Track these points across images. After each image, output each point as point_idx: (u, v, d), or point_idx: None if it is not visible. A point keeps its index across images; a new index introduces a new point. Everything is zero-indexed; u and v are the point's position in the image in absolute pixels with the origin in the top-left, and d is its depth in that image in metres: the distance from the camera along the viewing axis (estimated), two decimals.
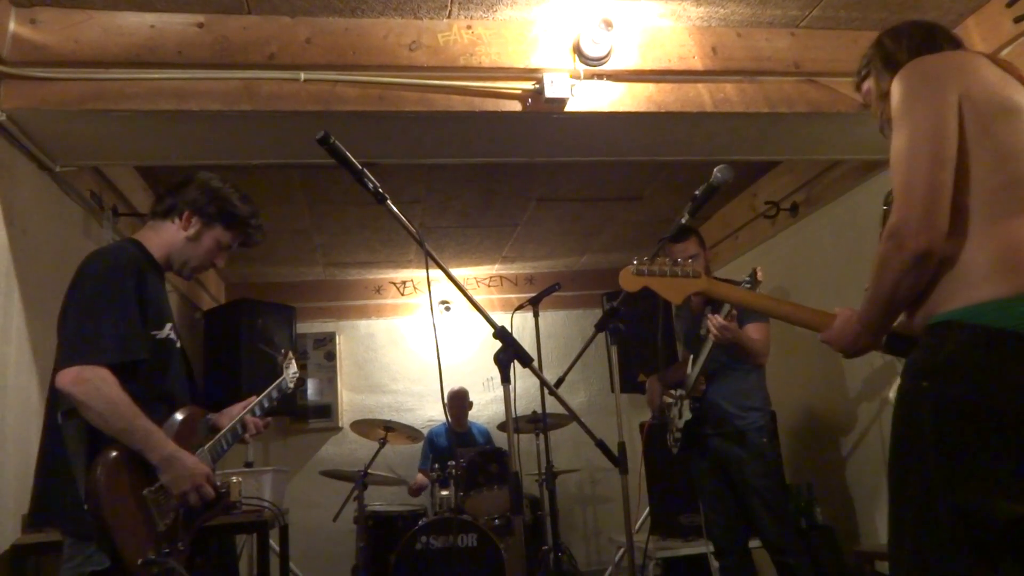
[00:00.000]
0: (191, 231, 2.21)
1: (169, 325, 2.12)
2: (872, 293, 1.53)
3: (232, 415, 2.33)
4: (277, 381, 2.57)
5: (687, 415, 3.39)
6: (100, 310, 1.95)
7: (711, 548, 4.37)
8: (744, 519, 3.38)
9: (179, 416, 2.07)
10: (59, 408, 1.92)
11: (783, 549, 3.21)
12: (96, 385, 1.86)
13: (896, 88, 1.57)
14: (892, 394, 3.05)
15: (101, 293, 1.97)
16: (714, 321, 3.14)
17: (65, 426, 1.90)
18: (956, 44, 1.72)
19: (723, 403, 3.35)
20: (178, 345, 2.18)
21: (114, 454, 1.87)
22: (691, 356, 3.43)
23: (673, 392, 3.51)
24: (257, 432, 2.37)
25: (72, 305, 1.98)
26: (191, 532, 2.05)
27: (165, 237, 2.20)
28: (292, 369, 2.68)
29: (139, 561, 1.84)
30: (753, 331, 3.31)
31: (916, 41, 1.71)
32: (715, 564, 4.78)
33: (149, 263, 2.13)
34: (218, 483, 2.09)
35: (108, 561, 1.84)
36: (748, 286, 2.86)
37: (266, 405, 2.42)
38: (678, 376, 3.56)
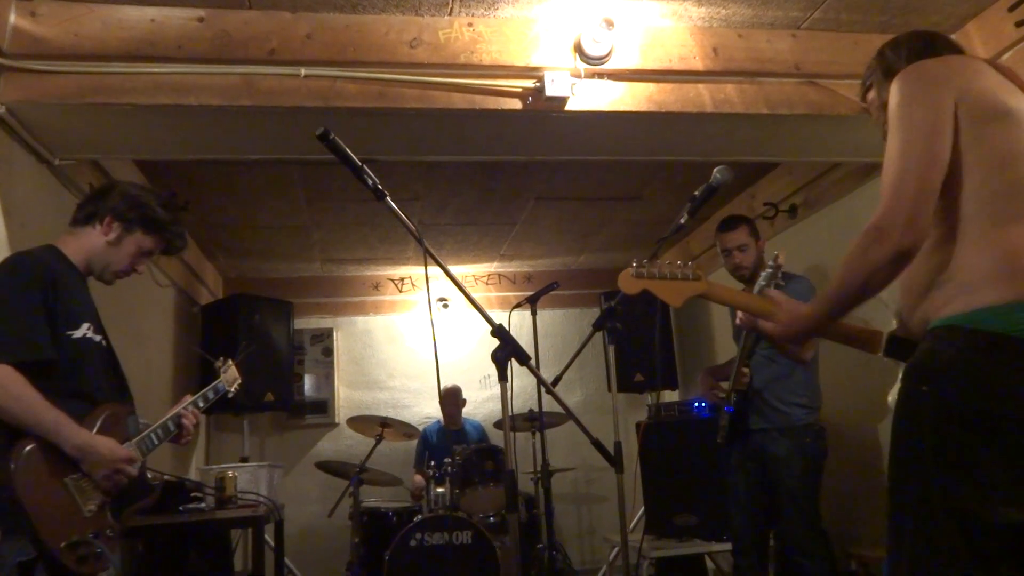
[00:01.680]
0: (111, 236, 2.28)
1: (87, 325, 2.17)
2: (837, 286, 1.54)
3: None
4: (214, 383, 2.67)
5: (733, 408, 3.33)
6: (4, 311, 2.01)
7: (707, 548, 4.40)
8: (771, 518, 3.33)
9: (101, 411, 2.12)
10: None
11: (805, 551, 3.16)
12: (2, 383, 1.92)
13: (893, 90, 1.58)
14: (891, 397, 3.06)
15: (6, 295, 2.03)
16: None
17: None
18: (957, 52, 1.74)
19: (766, 397, 3.29)
20: (101, 343, 2.24)
21: (30, 446, 1.93)
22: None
23: (723, 385, 3.48)
24: (193, 426, 2.43)
25: None
26: (120, 520, 2.11)
27: (85, 242, 2.27)
28: (231, 375, 2.80)
29: (62, 544, 1.88)
30: None
31: (915, 51, 1.72)
32: (711, 565, 4.80)
33: (66, 268, 2.19)
34: (148, 475, 2.17)
35: (34, 550, 1.88)
36: (771, 271, 2.85)
37: (201, 405, 2.50)
38: (728, 370, 3.51)
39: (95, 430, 2.05)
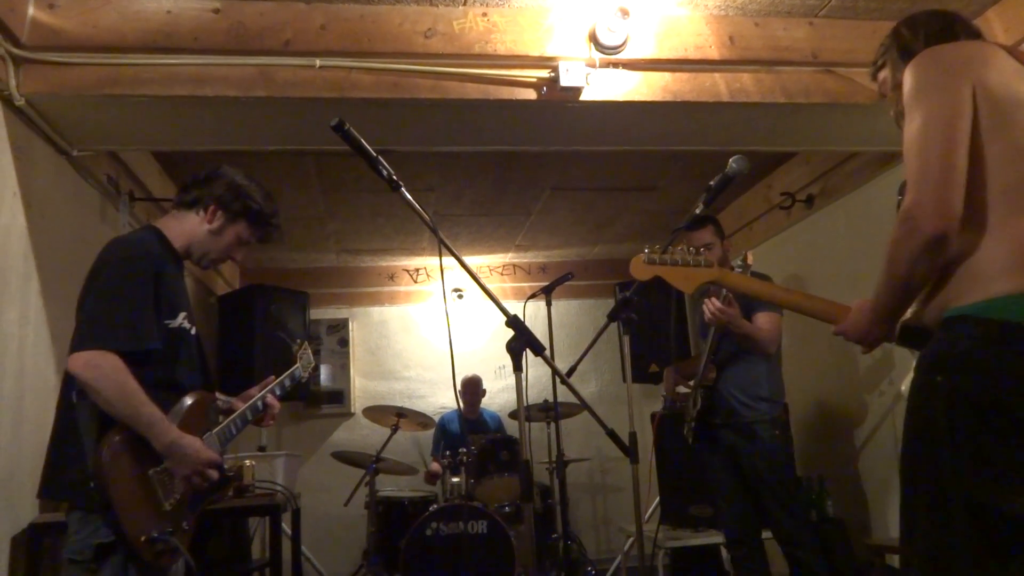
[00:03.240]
0: (215, 224, 2.25)
1: (183, 314, 2.16)
2: (885, 278, 1.51)
3: (248, 397, 2.38)
4: (291, 369, 2.62)
5: (699, 405, 3.38)
6: (116, 297, 2.00)
7: (723, 539, 4.39)
8: (757, 510, 3.37)
9: (187, 401, 2.11)
10: (73, 388, 1.98)
11: (795, 542, 3.21)
12: (106, 371, 1.91)
13: (909, 76, 1.56)
14: (905, 387, 3.05)
15: (118, 281, 2.01)
16: (710, 305, 3.14)
17: (78, 405, 1.96)
18: (975, 35, 1.70)
19: (733, 393, 3.34)
20: (192, 333, 2.22)
21: (121, 435, 1.92)
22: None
23: (689, 382, 3.51)
24: (275, 417, 2.43)
25: (91, 290, 2.03)
26: (196, 513, 2.11)
27: (187, 227, 2.25)
28: (307, 359, 2.73)
29: (142, 538, 1.89)
30: (762, 320, 3.29)
31: (934, 31, 1.69)
32: (727, 555, 4.80)
33: (168, 252, 2.18)
34: (226, 467, 2.14)
35: (113, 535, 1.89)
36: (740, 271, 2.87)
37: (278, 392, 2.47)
38: (695, 367, 3.56)
39: (179, 421, 2.04)
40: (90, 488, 1.86)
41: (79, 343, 1.95)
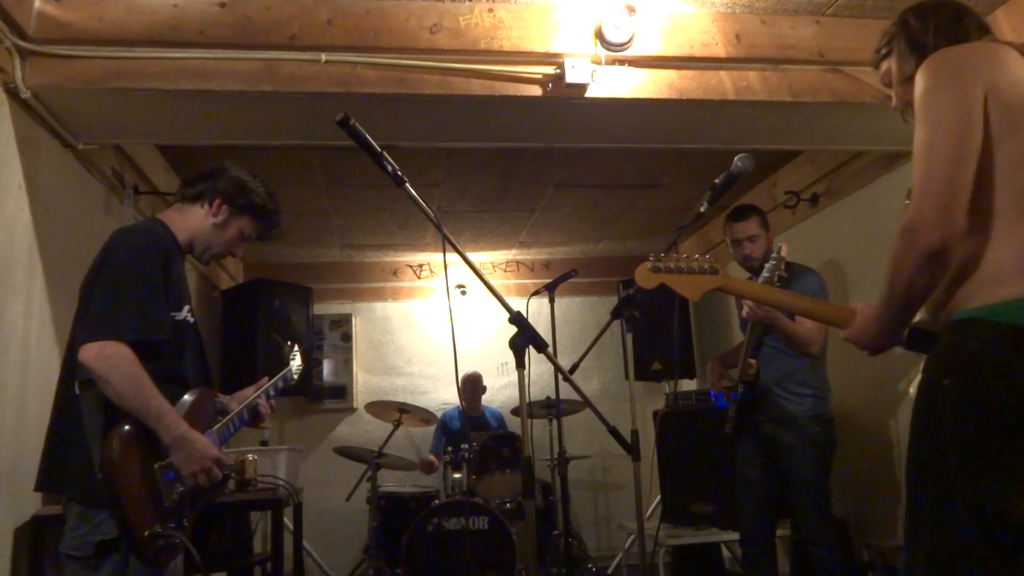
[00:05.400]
0: (219, 218, 2.26)
1: (187, 307, 2.15)
2: (887, 291, 1.51)
3: (242, 398, 2.37)
4: (283, 371, 2.65)
5: (740, 397, 3.33)
6: (127, 288, 1.98)
7: (724, 537, 4.40)
8: (779, 508, 3.33)
9: (189, 397, 2.09)
10: (76, 378, 1.96)
11: (816, 541, 3.17)
12: (117, 362, 1.89)
13: (920, 79, 1.54)
14: (912, 388, 3.04)
15: (129, 271, 2.00)
16: (747, 302, 3.10)
17: (82, 396, 1.94)
18: (984, 29, 1.68)
19: (774, 387, 3.29)
20: (194, 325, 2.21)
21: (128, 427, 1.90)
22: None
23: (732, 373, 3.46)
24: (268, 416, 2.45)
25: (101, 280, 2.01)
26: (195, 509, 2.09)
27: (192, 221, 2.25)
28: (297, 362, 2.78)
29: (146, 533, 1.87)
30: (804, 319, 3.22)
31: (944, 23, 1.65)
32: (728, 554, 4.80)
33: (174, 244, 2.17)
34: (225, 465, 2.12)
35: (116, 530, 1.88)
36: (774, 263, 2.82)
37: (272, 393, 2.49)
38: (736, 356, 3.49)
39: (183, 416, 2.02)
40: (96, 480, 1.85)
41: (92, 333, 1.92)
